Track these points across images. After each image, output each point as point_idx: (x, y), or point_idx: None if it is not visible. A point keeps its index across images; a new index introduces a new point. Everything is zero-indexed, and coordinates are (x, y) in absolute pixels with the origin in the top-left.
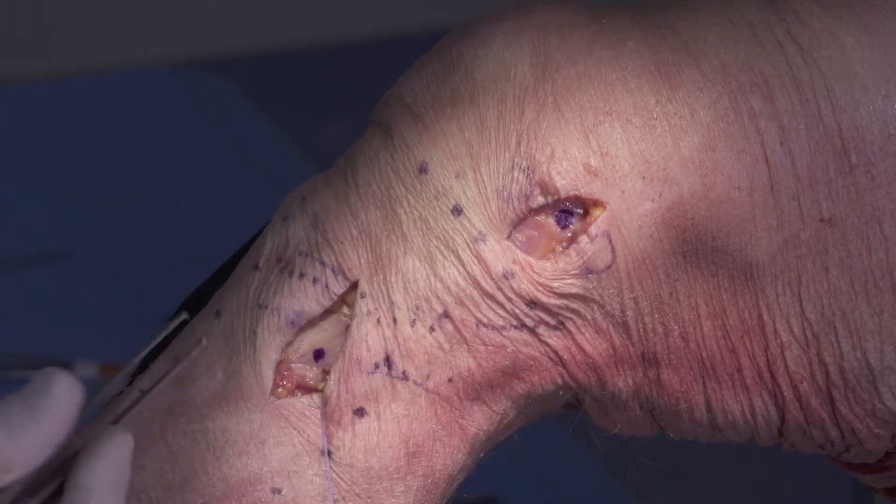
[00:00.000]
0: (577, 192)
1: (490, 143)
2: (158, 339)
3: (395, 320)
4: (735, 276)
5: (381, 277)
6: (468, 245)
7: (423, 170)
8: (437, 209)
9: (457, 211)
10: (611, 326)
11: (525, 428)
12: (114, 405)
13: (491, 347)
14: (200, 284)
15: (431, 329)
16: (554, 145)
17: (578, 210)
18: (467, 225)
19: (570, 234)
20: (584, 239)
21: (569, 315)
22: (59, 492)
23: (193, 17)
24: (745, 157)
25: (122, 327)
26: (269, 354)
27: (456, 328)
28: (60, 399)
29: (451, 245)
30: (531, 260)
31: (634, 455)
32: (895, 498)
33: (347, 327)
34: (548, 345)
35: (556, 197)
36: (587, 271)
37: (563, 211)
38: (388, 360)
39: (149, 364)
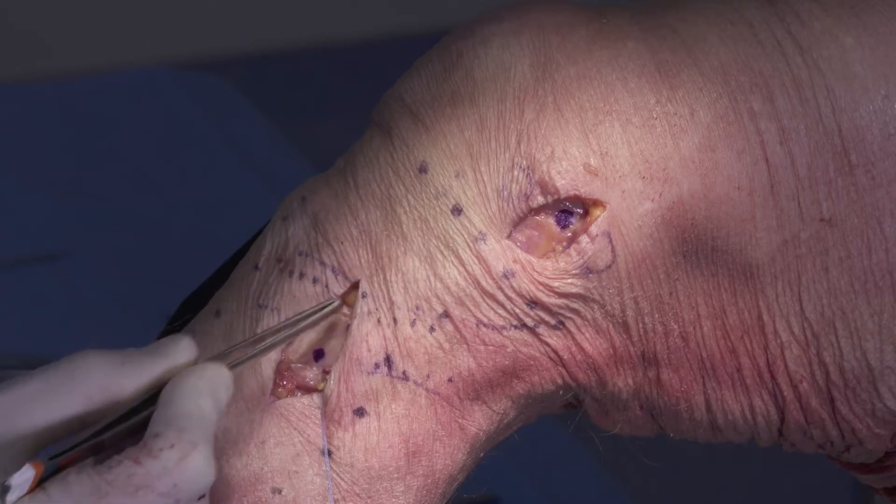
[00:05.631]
0: (576, 192)
1: (490, 142)
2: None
3: (395, 320)
4: (735, 276)
5: (381, 277)
6: (468, 245)
7: (422, 170)
8: (437, 209)
9: (457, 210)
10: (611, 326)
11: (525, 428)
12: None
13: (491, 347)
14: (200, 284)
15: (431, 329)
16: (554, 145)
17: (578, 210)
18: (467, 224)
19: (570, 234)
20: (584, 238)
21: (569, 315)
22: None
23: (193, 18)
24: (744, 157)
25: (122, 327)
26: (269, 354)
27: (456, 328)
28: (174, 350)
29: (451, 245)
30: (532, 259)
31: (634, 455)
32: (895, 498)
33: (347, 327)
34: (548, 345)
35: (555, 197)
36: (588, 271)
37: (562, 211)
38: (388, 360)
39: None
